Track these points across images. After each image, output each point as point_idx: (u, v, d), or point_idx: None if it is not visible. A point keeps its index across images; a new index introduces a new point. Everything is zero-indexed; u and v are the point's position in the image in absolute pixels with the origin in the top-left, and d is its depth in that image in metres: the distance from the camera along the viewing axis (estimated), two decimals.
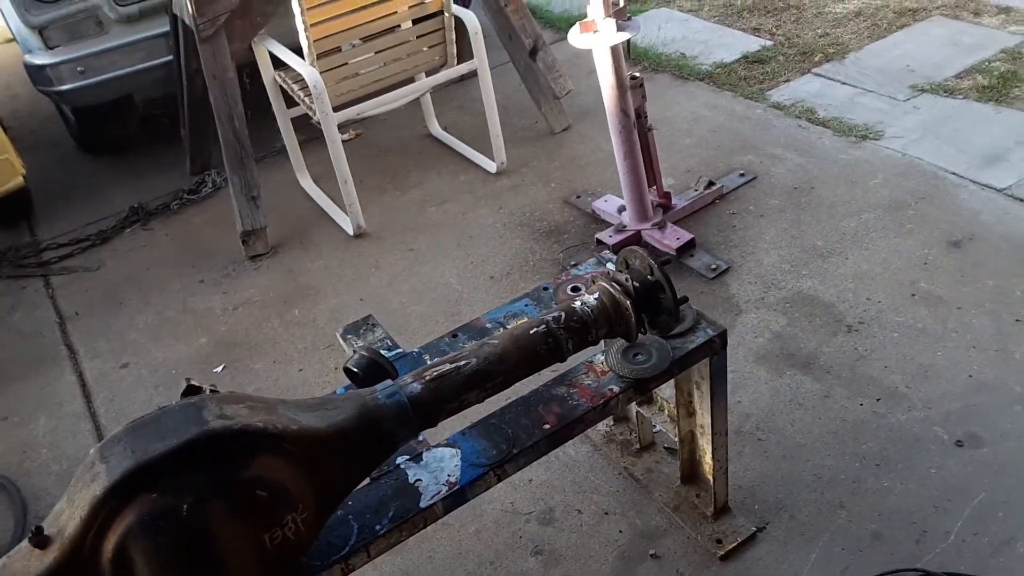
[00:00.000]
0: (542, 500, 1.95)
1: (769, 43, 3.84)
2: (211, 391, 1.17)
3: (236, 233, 3.00)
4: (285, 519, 1.11)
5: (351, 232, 3.03)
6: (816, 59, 3.64)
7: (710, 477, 1.78)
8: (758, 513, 1.82)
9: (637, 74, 2.44)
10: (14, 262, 3.24)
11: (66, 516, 1.04)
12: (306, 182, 3.37)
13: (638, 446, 2.01)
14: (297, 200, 3.31)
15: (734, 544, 1.76)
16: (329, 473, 1.16)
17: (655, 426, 2.02)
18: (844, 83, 3.42)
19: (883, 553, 1.69)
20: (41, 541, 1.04)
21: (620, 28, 2.25)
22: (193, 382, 1.20)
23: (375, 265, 2.88)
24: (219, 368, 2.51)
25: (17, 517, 2.18)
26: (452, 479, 1.34)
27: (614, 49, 2.31)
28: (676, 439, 1.81)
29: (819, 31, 3.88)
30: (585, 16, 2.34)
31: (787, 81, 3.51)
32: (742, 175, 2.93)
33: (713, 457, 1.73)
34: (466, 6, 3.37)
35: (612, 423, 2.08)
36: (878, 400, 2.02)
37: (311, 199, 3.30)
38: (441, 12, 2.94)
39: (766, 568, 1.71)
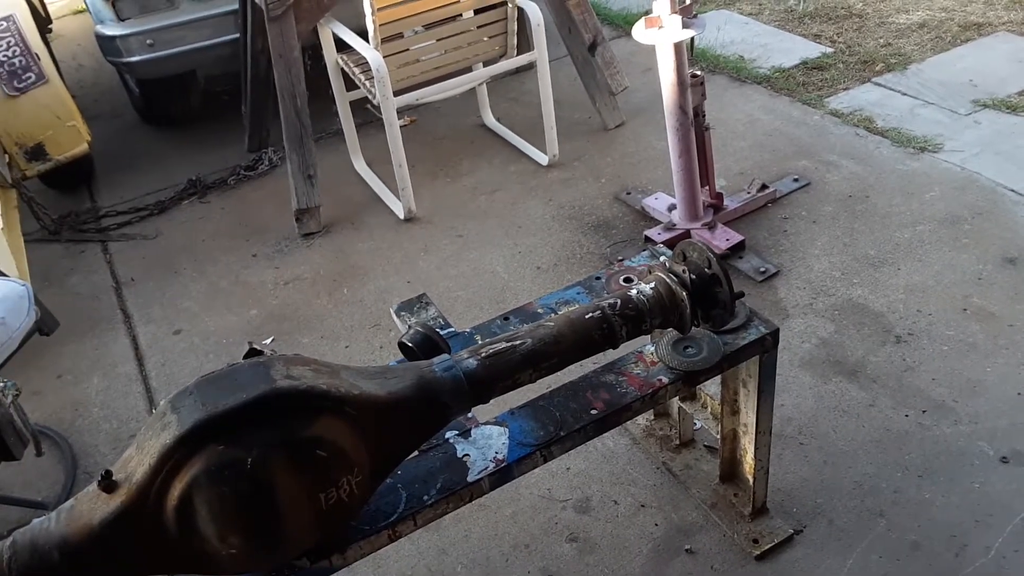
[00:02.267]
0: (579, 489, 1.97)
1: (829, 50, 3.80)
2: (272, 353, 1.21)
3: (290, 211, 3.06)
4: (341, 480, 1.14)
5: (402, 216, 3.08)
6: (877, 68, 3.60)
7: (750, 477, 1.78)
8: (796, 516, 1.82)
9: (698, 72, 2.45)
10: (74, 227, 3.34)
11: (135, 463, 1.08)
12: (360, 165, 3.42)
13: (678, 442, 2.02)
14: (350, 182, 3.37)
15: (770, 545, 1.76)
16: (384, 439, 1.19)
17: (696, 423, 2.03)
18: (904, 94, 3.37)
19: (921, 564, 1.68)
20: (109, 485, 1.08)
21: (685, 25, 2.26)
22: (255, 346, 1.24)
23: (424, 249, 2.92)
24: (268, 340, 2.57)
25: (68, 471, 2.26)
26: (499, 456, 1.37)
27: (677, 46, 2.32)
28: (717, 437, 1.82)
29: (881, 40, 3.83)
30: (648, 12, 2.35)
31: (846, 89, 3.47)
32: (796, 180, 2.91)
33: (755, 457, 1.74)
34: None
35: (653, 418, 2.09)
36: (924, 412, 2.00)
37: (364, 182, 3.35)
38: (504, 3, 2.96)
39: (801, 571, 1.71)
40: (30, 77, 3.07)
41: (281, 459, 1.08)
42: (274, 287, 2.84)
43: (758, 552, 1.75)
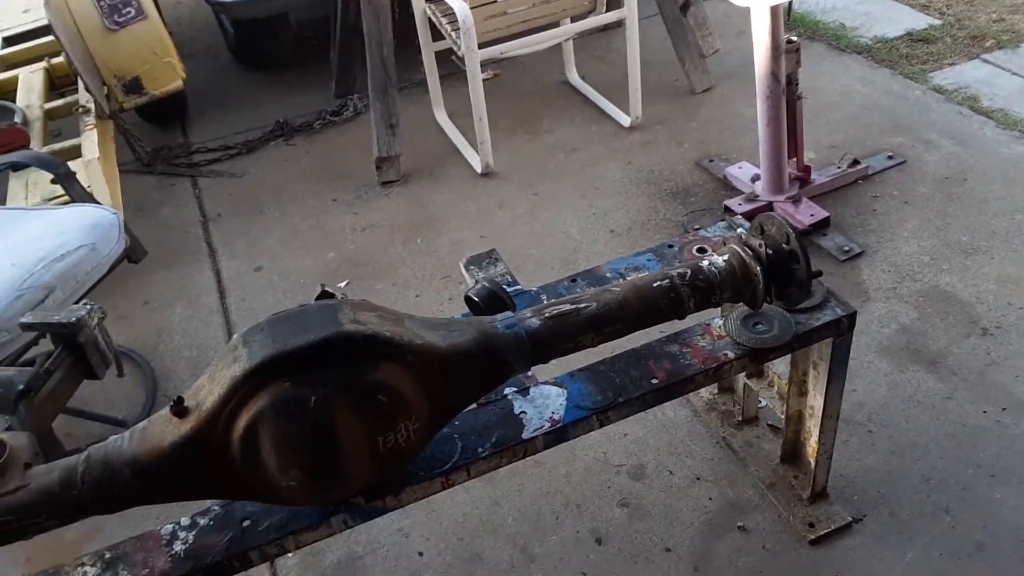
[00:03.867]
0: (635, 455, 1.96)
1: (937, 22, 3.59)
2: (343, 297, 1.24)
3: (371, 158, 3.09)
4: (399, 426, 1.16)
5: (479, 170, 3.08)
6: (987, 44, 3.38)
7: (812, 460, 1.75)
8: (856, 504, 1.78)
9: (794, 38, 2.35)
10: (167, 160, 3.46)
11: (206, 391, 1.13)
12: (441, 116, 3.42)
13: (740, 418, 1.99)
14: (431, 133, 3.38)
15: (827, 530, 1.73)
16: (443, 389, 1.21)
17: (761, 401, 1.99)
18: (1015, 74, 3.17)
19: (984, 565, 1.63)
20: (181, 411, 1.13)
21: None
22: (327, 288, 1.27)
23: (499, 205, 2.92)
24: (343, 284, 2.63)
25: (148, 392, 2.38)
26: (556, 416, 1.37)
27: (774, 9, 2.23)
28: (782, 417, 1.79)
29: (994, 15, 3.59)
30: None
31: (952, 64, 3.28)
32: (890, 157, 2.79)
33: (818, 440, 1.70)
34: None
35: (716, 392, 2.06)
36: (1004, 410, 1.92)
37: (444, 134, 3.36)
38: None
39: (857, 560, 1.68)
40: (130, 12, 3.17)
41: (343, 400, 1.11)
42: (351, 232, 2.89)
43: (813, 536, 1.72)
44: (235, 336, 1.16)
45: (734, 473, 1.88)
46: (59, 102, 3.17)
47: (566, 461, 1.96)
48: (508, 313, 1.30)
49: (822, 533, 1.72)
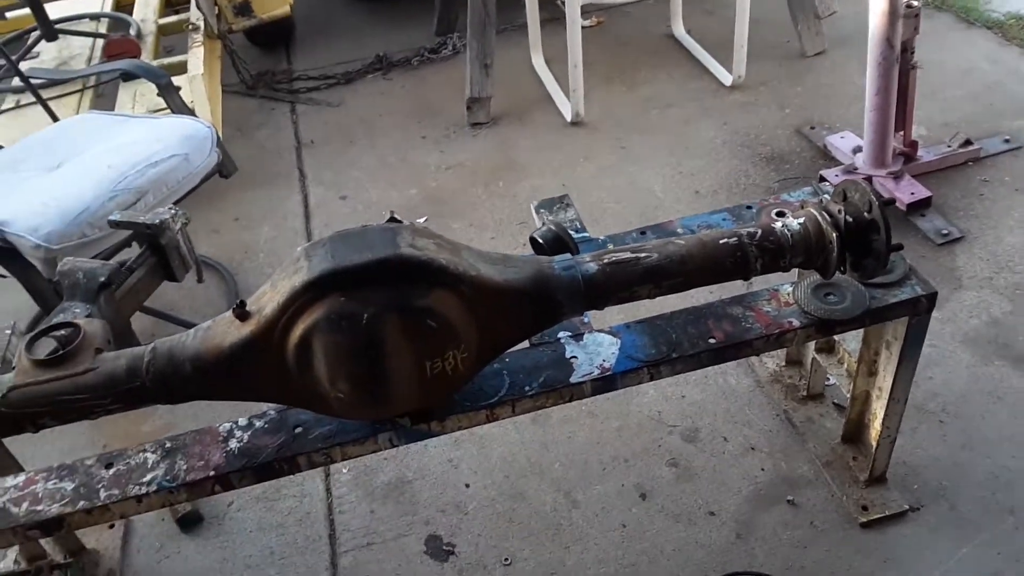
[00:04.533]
0: (690, 418, 1.94)
1: None
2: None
3: (463, 99, 3.09)
4: (447, 353, 1.18)
5: (569, 119, 3.04)
6: None
7: (873, 443, 1.69)
8: (915, 493, 1.71)
9: (915, 2, 2.20)
10: (270, 84, 3.55)
11: (267, 298, 1.17)
12: (538, 61, 3.38)
13: (805, 393, 1.94)
14: (525, 78, 3.35)
15: (880, 515, 1.68)
16: (494, 323, 1.22)
17: (828, 378, 1.93)
18: None
19: None
20: (242, 314, 1.17)
21: None
22: (396, 215, 1.29)
23: (585, 155, 2.88)
24: (422, 219, 2.66)
25: (230, 304, 2.47)
26: (607, 364, 1.36)
27: None
28: (848, 395, 1.73)
29: None
30: None
31: None
32: (1007, 141, 2.60)
33: (883, 423, 1.63)
34: None
35: (784, 364, 2.01)
36: None
37: (538, 80, 3.32)
38: None
39: (908, 548, 1.62)
40: None
41: (394, 321, 1.12)
42: (436, 170, 2.91)
43: (865, 520, 1.67)
44: (298, 248, 1.19)
45: (791, 447, 1.84)
46: (172, 18, 3.29)
47: (620, 415, 1.95)
48: (567, 255, 1.30)
49: (875, 517, 1.67)
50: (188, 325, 2.33)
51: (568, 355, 1.39)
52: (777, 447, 1.84)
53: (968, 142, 2.55)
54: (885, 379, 1.59)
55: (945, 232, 2.32)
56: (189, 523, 1.84)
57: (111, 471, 1.29)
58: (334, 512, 1.84)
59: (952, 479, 1.72)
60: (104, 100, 3.09)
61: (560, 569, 1.67)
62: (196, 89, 2.68)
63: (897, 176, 2.47)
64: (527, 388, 1.34)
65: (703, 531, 1.70)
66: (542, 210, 1.72)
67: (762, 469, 1.80)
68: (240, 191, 2.88)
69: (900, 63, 2.29)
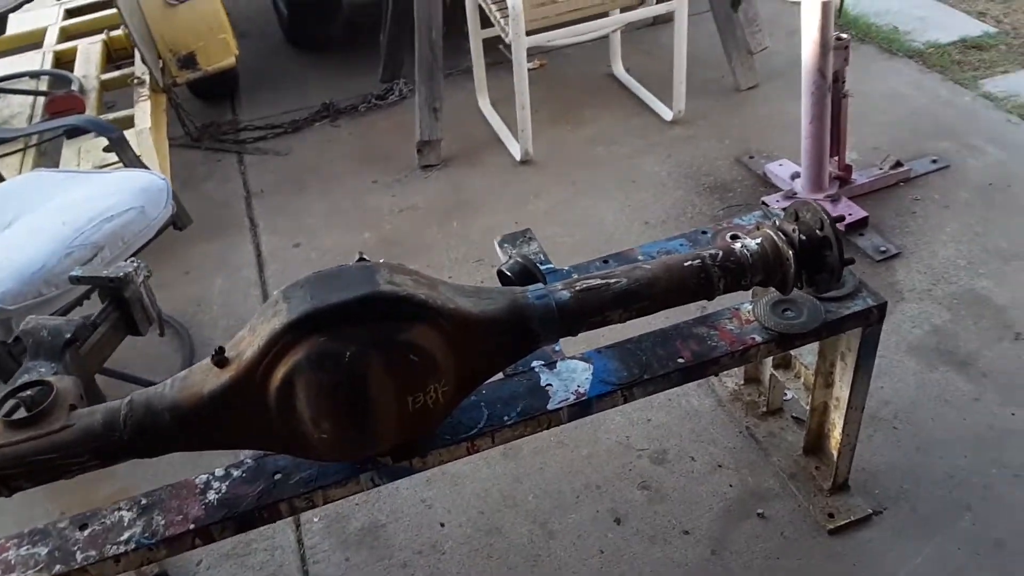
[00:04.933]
0: (657, 441, 1.98)
1: (993, 30, 3.54)
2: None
3: (413, 142, 3.14)
4: (428, 387, 1.20)
5: (518, 158, 3.11)
6: None
7: (834, 452, 1.75)
8: (877, 498, 1.78)
9: (844, 35, 2.34)
10: (215, 136, 3.54)
11: (246, 343, 1.18)
12: (484, 104, 3.46)
13: (765, 409, 2.00)
14: (473, 120, 3.41)
15: (846, 521, 1.73)
16: (473, 355, 1.24)
17: (787, 394, 2.00)
18: None
19: (1002, 561, 1.63)
20: (221, 360, 1.18)
21: None
22: (365, 256, 1.31)
23: (536, 193, 2.95)
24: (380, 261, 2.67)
25: (185, 359, 2.45)
26: (581, 390, 1.40)
27: (825, 5, 2.22)
28: (807, 407, 1.79)
29: None
30: None
31: (1004, 72, 3.23)
32: (934, 161, 2.76)
33: (843, 432, 1.70)
34: None
35: (742, 382, 2.07)
36: None
37: (486, 121, 3.39)
38: None
39: (874, 551, 1.68)
40: None
41: (376, 357, 1.14)
42: (389, 213, 2.94)
43: (832, 527, 1.73)
44: (275, 292, 1.21)
45: (756, 462, 1.89)
46: (115, 73, 3.28)
47: (589, 443, 1.98)
48: (539, 285, 1.33)
49: (841, 523, 1.73)
50: (145, 383, 2.30)
51: (543, 383, 1.42)
52: (743, 463, 1.90)
53: (898, 164, 2.70)
54: (842, 389, 1.66)
55: (883, 249, 2.44)
56: None
57: (86, 532, 1.26)
58: (308, 563, 1.82)
59: (910, 481, 1.80)
60: (47, 158, 3.04)
61: None
62: (144, 143, 2.67)
63: (834, 199, 2.59)
64: (506, 418, 1.36)
65: (679, 550, 1.74)
66: (505, 244, 1.76)
67: (730, 485, 1.85)
68: (189, 244, 2.85)
69: (832, 92, 2.42)
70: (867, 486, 1.80)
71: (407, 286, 1.19)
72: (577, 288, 1.32)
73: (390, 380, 1.16)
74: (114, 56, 3.54)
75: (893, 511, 1.74)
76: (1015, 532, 1.67)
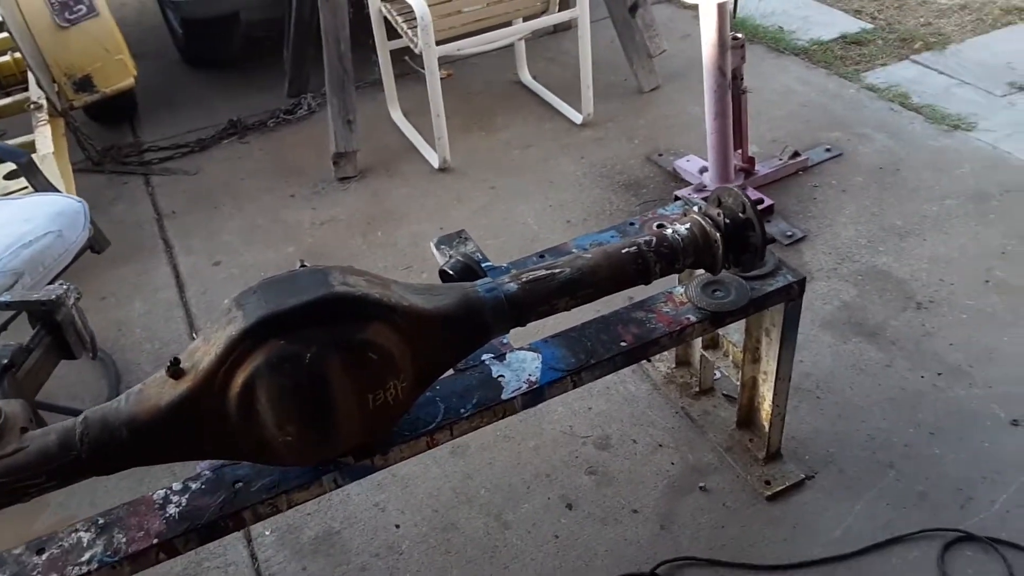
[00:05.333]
0: (599, 427, 2.05)
1: (869, 26, 3.81)
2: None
3: (327, 155, 3.13)
4: (388, 384, 1.22)
5: (436, 165, 3.14)
6: (916, 47, 3.60)
7: (766, 423, 1.86)
8: (808, 463, 1.90)
9: (739, 35, 2.48)
10: (117, 159, 3.43)
11: (201, 352, 1.17)
12: (396, 115, 3.48)
13: (697, 389, 2.10)
14: (386, 131, 3.43)
15: (782, 487, 1.84)
16: (429, 350, 1.27)
17: (716, 373, 2.10)
18: (941, 73, 3.39)
19: (927, 513, 1.76)
20: (176, 372, 1.16)
21: None
22: (306, 264, 1.32)
23: (457, 198, 2.98)
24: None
25: (111, 385, 2.37)
26: (532, 378, 1.45)
27: (721, 7, 2.35)
28: (737, 384, 1.89)
29: (922, 20, 3.83)
30: None
31: (884, 65, 3.48)
32: (828, 150, 2.95)
33: (772, 403, 1.81)
34: None
35: (674, 366, 2.16)
36: (939, 375, 2.07)
37: (400, 131, 3.41)
38: None
39: (810, 512, 1.79)
40: (81, 9, 3.14)
41: (335, 358, 1.16)
42: (310, 226, 2.92)
43: (769, 493, 1.83)
44: (227, 300, 1.20)
45: (693, 439, 1.98)
46: (7, 100, 3.13)
47: (535, 435, 2.03)
48: (487, 279, 1.37)
49: (778, 490, 1.83)
50: (73, 413, 2.21)
51: (495, 375, 1.46)
52: (682, 441, 1.98)
53: (796, 154, 2.87)
54: (769, 363, 1.77)
55: (790, 234, 2.59)
56: None
57: (44, 556, 1.22)
58: None
59: (836, 446, 1.92)
60: None
61: None
62: (49, 168, 2.56)
63: (741, 189, 2.73)
64: (462, 411, 1.39)
65: (630, 528, 1.80)
66: (442, 246, 1.80)
67: (672, 463, 1.93)
68: (103, 269, 2.75)
69: (732, 89, 2.56)
70: (798, 453, 1.91)
71: (361, 286, 1.21)
72: (524, 279, 1.36)
73: (350, 379, 1.18)
74: (3, 83, 3.38)
75: (823, 474, 1.86)
76: (935, 485, 1.81)
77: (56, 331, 1.52)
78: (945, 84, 3.30)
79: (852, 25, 3.81)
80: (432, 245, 1.82)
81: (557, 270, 1.38)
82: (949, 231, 2.53)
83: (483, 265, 1.68)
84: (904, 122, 3.08)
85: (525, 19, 3.27)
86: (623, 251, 1.42)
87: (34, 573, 1.19)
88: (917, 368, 2.09)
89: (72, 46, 3.14)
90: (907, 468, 1.85)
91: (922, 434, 1.92)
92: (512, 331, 1.43)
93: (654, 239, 1.44)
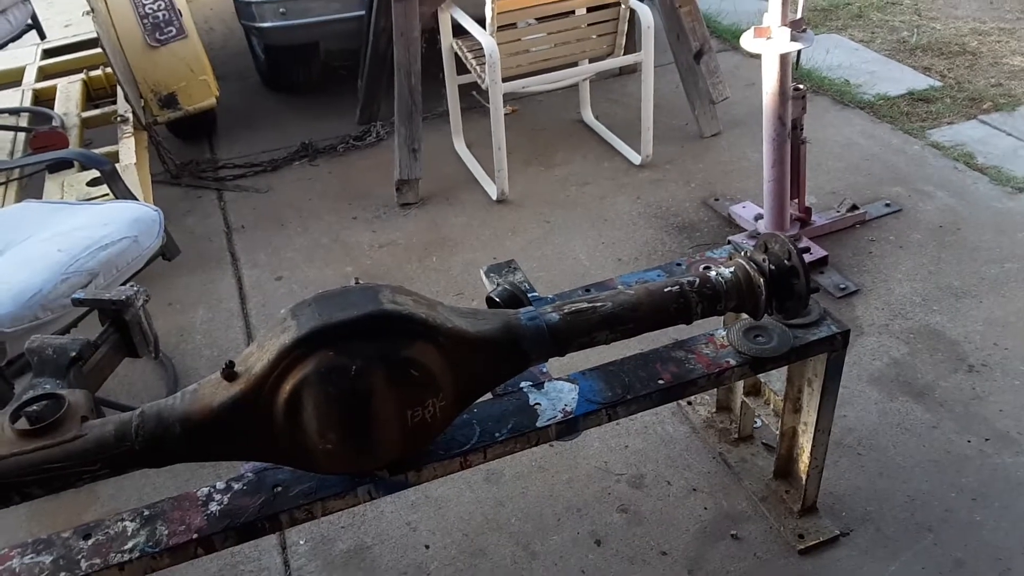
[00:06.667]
0: (635, 466, 2.06)
1: (938, 83, 3.78)
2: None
3: (391, 181, 3.23)
4: (427, 402, 1.27)
5: (494, 197, 3.21)
6: (984, 107, 3.56)
7: (803, 475, 1.84)
8: (844, 520, 1.87)
9: (801, 86, 2.50)
10: (194, 173, 3.60)
11: (254, 358, 1.23)
12: (460, 146, 3.57)
13: (736, 436, 2.09)
14: (449, 162, 3.52)
15: (815, 542, 1.82)
16: (469, 372, 1.32)
17: (756, 422, 2.09)
18: (1009, 134, 3.33)
19: None
20: (230, 375, 1.23)
21: (794, 38, 2.32)
22: (360, 281, 1.39)
23: (512, 230, 3.05)
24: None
25: (169, 387, 2.47)
26: (568, 408, 1.48)
27: (783, 57, 2.38)
28: (777, 433, 1.89)
29: (992, 80, 3.78)
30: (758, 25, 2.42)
31: (950, 123, 3.45)
32: (888, 205, 2.93)
33: (811, 455, 1.79)
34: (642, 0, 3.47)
35: (715, 410, 2.16)
36: (987, 440, 2.02)
37: (462, 162, 3.50)
38: (617, 3, 3.07)
39: (843, 570, 1.77)
40: (171, 31, 3.34)
41: (380, 372, 1.21)
42: (370, 248, 3.01)
43: (802, 547, 1.81)
44: (283, 310, 1.27)
45: (729, 486, 1.97)
46: (96, 111, 3.32)
47: (569, 468, 2.05)
48: (530, 308, 1.42)
49: (811, 544, 1.81)
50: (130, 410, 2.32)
51: (532, 402, 1.49)
52: (717, 487, 1.98)
53: (854, 207, 2.86)
54: (810, 414, 1.76)
55: (843, 287, 2.57)
56: None
57: (90, 542, 1.29)
58: None
59: (875, 504, 1.89)
60: (27, 192, 3.06)
61: None
62: (129, 177, 2.70)
63: (795, 239, 2.72)
64: (497, 435, 1.43)
65: (657, 570, 1.80)
66: (492, 274, 1.85)
67: (705, 508, 1.93)
68: (172, 276, 2.89)
69: (791, 138, 2.58)
70: (834, 509, 1.89)
71: (409, 306, 1.27)
72: (565, 311, 1.40)
73: (392, 394, 1.23)
74: (93, 95, 3.59)
75: (859, 532, 1.83)
76: (974, 553, 1.77)
77: (123, 329, 1.62)
78: (1013, 146, 3.25)
79: (920, 82, 3.79)
80: (482, 272, 1.88)
81: (599, 304, 1.42)
82: (1007, 294, 2.48)
83: (529, 295, 1.73)
84: (968, 181, 3.04)
85: (591, 61, 3.35)
86: (665, 289, 1.45)
87: (79, 556, 1.26)
88: (964, 432, 2.05)
89: (160, 65, 3.34)
90: (946, 533, 1.81)
91: (964, 499, 1.88)
92: (551, 361, 1.48)
93: (697, 280, 1.47)
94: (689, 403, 2.19)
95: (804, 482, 1.84)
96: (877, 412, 2.14)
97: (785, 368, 1.75)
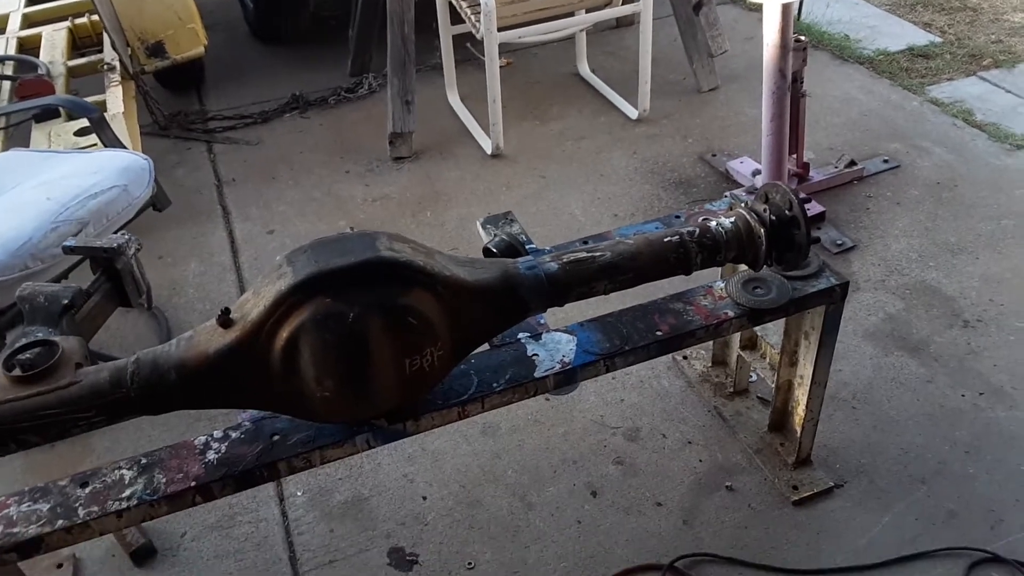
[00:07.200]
0: (630, 419, 2.06)
1: (938, 39, 3.73)
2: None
3: (384, 134, 3.18)
4: (425, 350, 1.25)
5: (489, 151, 3.17)
6: (984, 63, 3.52)
7: (798, 428, 1.85)
8: (838, 472, 1.88)
9: (803, 38, 2.46)
10: (183, 125, 3.53)
11: (250, 304, 1.22)
12: (454, 99, 3.52)
13: (732, 390, 2.09)
14: (443, 115, 3.47)
15: (809, 493, 1.83)
16: (467, 321, 1.30)
17: (752, 376, 2.09)
18: (1009, 91, 3.30)
19: (956, 531, 1.74)
20: (226, 321, 1.22)
21: None
22: (354, 229, 1.37)
23: (507, 185, 3.01)
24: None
25: (162, 340, 2.45)
26: (566, 359, 1.47)
27: (785, 7, 2.33)
28: (772, 386, 1.89)
29: (992, 36, 3.74)
30: None
31: (949, 80, 3.41)
32: (885, 161, 2.91)
33: (806, 408, 1.80)
34: None
35: (710, 364, 2.16)
36: (981, 394, 2.03)
37: (456, 116, 3.45)
38: None
39: (837, 521, 1.78)
40: None
41: (377, 319, 1.19)
42: (363, 202, 2.98)
43: (796, 498, 1.82)
44: (279, 257, 1.25)
45: (724, 439, 1.98)
46: (82, 60, 3.24)
47: (565, 421, 2.05)
48: (529, 257, 1.40)
49: (805, 495, 1.82)
50: None
51: (530, 353, 1.48)
52: (712, 440, 1.98)
53: (852, 163, 2.83)
54: (806, 367, 1.76)
55: (840, 242, 2.56)
56: (142, 556, 1.80)
57: (87, 490, 1.28)
58: (292, 534, 1.85)
59: (869, 457, 1.91)
60: (14, 142, 3.00)
61: (522, 568, 1.74)
62: (118, 126, 2.65)
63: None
64: (495, 385, 1.42)
65: (652, 520, 1.81)
66: (488, 225, 1.82)
67: (700, 460, 1.94)
68: (163, 229, 2.85)
69: (791, 91, 2.54)
70: (828, 461, 1.90)
71: (406, 253, 1.25)
72: (564, 260, 1.39)
73: (389, 342, 1.21)
74: (79, 44, 3.51)
75: (853, 484, 1.85)
76: (967, 504, 1.79)
77: (115, 278, 1.59)
78: (1012, 103, 3.22)
79: (921, 38, 3.74)
80: (478, 224, 1.85)
81: (598, 253, 1.40)
82: (1003, 251, 2.48)
83: (527, 247, 1.71)
84: (966, 138, 3.02)
85: (588, 11, 3.28)
86: (665, 239, 1.43)
87: (77, 504, 1.25)
88: (958, 386, 2.06)
89: (147, 12, 3.26)
90: (939, 485, 1.83)
91: (958, 452, 1.90)
92: (549, 312, 1.47)
93: (697, 230, 1.45)
94: (685, 358, 2.18)
95: (799, 435, 1.85)
96: (872, 367, 2.14)
97: (782, 322, 1.75)
